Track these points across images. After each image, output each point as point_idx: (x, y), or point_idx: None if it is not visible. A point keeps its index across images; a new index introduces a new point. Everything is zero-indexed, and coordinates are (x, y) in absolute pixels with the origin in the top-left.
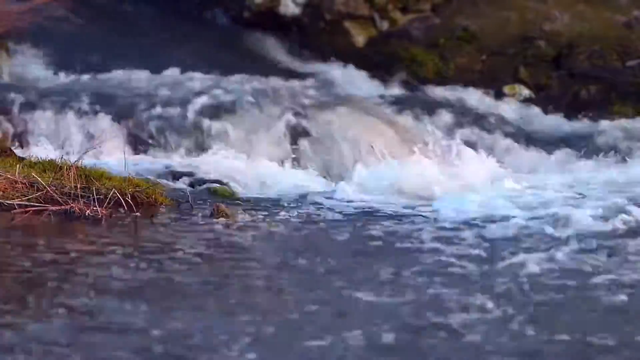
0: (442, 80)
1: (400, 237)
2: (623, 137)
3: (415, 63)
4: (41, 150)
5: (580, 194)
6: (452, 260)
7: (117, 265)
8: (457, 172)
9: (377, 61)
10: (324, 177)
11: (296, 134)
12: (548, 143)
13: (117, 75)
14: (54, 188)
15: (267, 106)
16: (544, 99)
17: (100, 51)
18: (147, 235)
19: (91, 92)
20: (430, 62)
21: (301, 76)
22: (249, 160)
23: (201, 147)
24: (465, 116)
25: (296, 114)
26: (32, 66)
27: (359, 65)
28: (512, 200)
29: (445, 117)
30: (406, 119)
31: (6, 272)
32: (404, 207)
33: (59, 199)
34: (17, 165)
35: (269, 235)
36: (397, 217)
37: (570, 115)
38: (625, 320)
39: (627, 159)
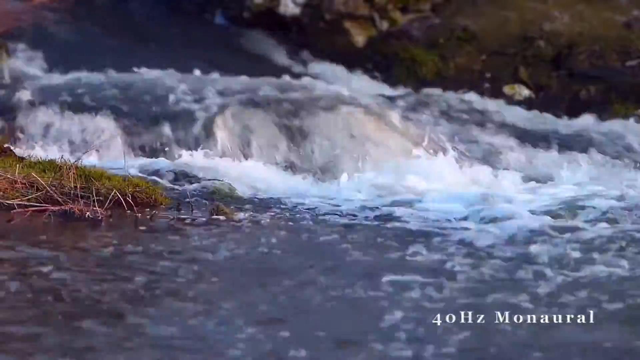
0: (442, 80)
1: (401, 238)
2: (623, 137)
3: (415, 63)
4: (41, 150)
5: (580, 193)
6: (452, 258)
7: (116, 265)
8: (456, 172)
9: (376, 61)
10: (323, 177)
11: (295, 134)
12: (548, 143)
13: (117, 75)
14: (54, 188)
15: (266, 106)
16: (544, 99)
17: (100, 51)
18: (147, 235)
19: (91, 92)
20: (430, 62)
21: (301, 76)
22: (249, 160)
23: (201, 147)
24: (465, 116)
25: (295, 114)
26: (32, 66)
27: (359, 65)
28: (511, 199)
29: (445, 117)
30: (405, 119)
31: (4, 273)
32: (404, 208)
33: (58, 199)
34: (17, 165)
35: (268, 235)
36: (397, 218)
37: (570, 115)
38: None
39: (627, 159)
